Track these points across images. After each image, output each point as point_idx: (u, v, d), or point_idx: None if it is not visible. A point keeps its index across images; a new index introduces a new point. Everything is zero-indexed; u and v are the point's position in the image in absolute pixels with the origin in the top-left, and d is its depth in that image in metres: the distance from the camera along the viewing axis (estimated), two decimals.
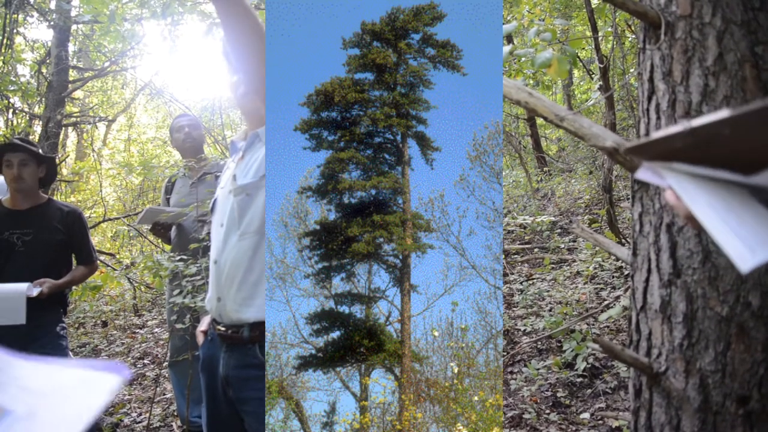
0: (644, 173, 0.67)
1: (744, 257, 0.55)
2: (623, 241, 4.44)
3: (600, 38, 5.46)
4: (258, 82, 1.56)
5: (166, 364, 4.11)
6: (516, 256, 5.51)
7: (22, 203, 2.93)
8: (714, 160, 0.60)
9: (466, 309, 3.49)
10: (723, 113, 0.53)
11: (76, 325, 5.84)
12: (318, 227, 3.34)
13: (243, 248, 1.55)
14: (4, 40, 6.30)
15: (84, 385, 0.50)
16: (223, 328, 1.60)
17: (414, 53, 3.45)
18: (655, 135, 0.60)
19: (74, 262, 3.17)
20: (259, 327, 1.55)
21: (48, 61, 6.93)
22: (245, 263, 1.54)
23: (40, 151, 2.96)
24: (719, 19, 1.28)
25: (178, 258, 2.73)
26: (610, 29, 5.57)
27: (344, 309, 3.36)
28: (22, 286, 2.67)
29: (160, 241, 6.63)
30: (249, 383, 1.55)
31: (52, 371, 0.53)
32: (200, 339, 1.73)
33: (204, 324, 1.76)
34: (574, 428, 2.75)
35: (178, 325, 2.77)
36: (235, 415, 1.61)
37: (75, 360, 0.57)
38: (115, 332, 5.54)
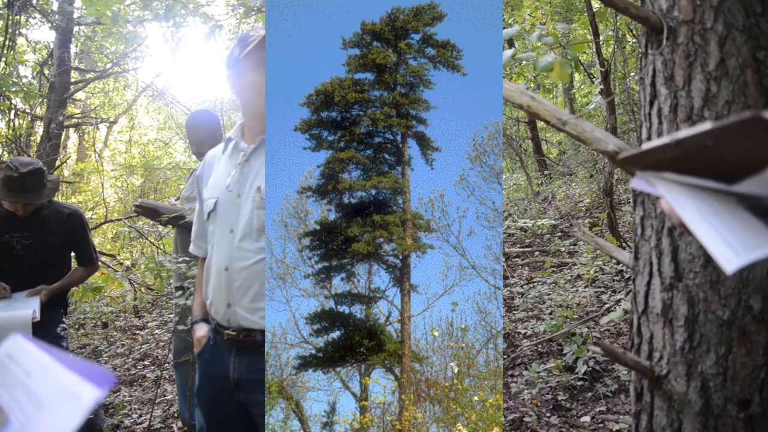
0: (638, 182, 0.71)
1: (729, 260, 0.59)
2: (624, 244, 4.44)
3: (601, 42, 5.47)
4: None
5: (167, 365, 4.12)
6: (517, 259, 5.51)
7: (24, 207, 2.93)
8: (700, 169, 0.64)
9: (466, 309, 3.49)
10: (705, 126, 0.57)
11: (77, 326, 5.84)
12: (318, 227, 3.34)
13: (263, 264, 1.54)
14: (7, 42, 6.32)
15: (65, 399, 0.52)
16: (233, 333, 1.57)
17: (414, 53, 3.46)
18: (645, 146, 0.64)
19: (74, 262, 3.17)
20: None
21: (50, 62, 6.95)
22: (262, 276, 1.54)
23: (49, 187, 2.91)
24: (721, 24, 1.29)
25: (181, 259, 2.73)
26: (611, 33, 5.58)
27: (344, 309, 3.36)
28: (26, 314, 2.64)
29: (161, 242, 6.65)
30: (263, 385, 1.55)
31: (49, 370, 0.55)
32: (199, 345, 1.69)
33: (202, 330, 1.70)
34: (574, 431, 2.75)
35: (180, 327, 2.77)
36: (240, 417, 1.60)
37: (69, 358, 0.59)
38: (115, 333, 5.54)
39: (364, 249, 3.11)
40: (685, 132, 0.59)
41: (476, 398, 3.09)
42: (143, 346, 5.00)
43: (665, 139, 0.61)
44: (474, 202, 3.62)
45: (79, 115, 8.41)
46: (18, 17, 6.56)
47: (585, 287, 4.34)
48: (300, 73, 4.16)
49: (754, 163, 0.60)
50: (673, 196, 0.66)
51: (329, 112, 3.41)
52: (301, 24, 3.75)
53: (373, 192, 3.36)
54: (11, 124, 6.74)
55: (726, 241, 0.60)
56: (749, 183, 0.62)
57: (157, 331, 5.41)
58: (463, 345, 3.37)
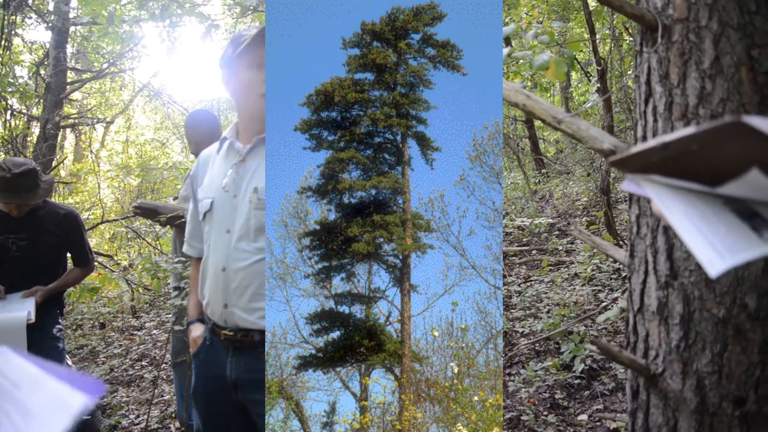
0: (628, 185, 0.72)
1: (713, 263, 0.59)
2: (621, 243, 4.45)
3: (598, 41, 5.47)
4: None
5: (165, 365, 4.11)
6: (514, 257, 5.51)
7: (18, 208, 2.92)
8: (687, 172, 0.65)
9: (466, 309, 3.50)
10: (689, 130, 0.58)
11: (74, 327, 5.83)
12: (318, 227, 3.34)
13: (261, 264, 1.53)
14: (3, 42, 6.30)
15: (56, 409, 0.52)
16: (230, 333, 1.56)
17: (414, 53, 3.46)
18: (634, 149, 0.65)
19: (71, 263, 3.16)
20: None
21: (46, 62, 6.93)
22: (260, 276, 1.53)
23: (42, 187, 2.89)
24: (716, 22, 1.29)
25: (177, 260, 2.73)
26: (607, 32, 5.58)
27: (344, 309, 3.36)
28: (21, 315, 2.63)
29: (158, 242, 6.65)
30: (261, 385, 1.55)
31: (38, 381, 0.55)
32: (195, 345, 1.69)
33: (197, 330, 1.70)
34: (572, 430, 2.76)
35: (177, 327, 2.77)
36: (237, 417, 1.60)
37: (59, 368, 0.58)
38: (113, 334, 5.54)
39: (364, 249, 3.11)
40: (670, 135, 0.60)
41: (476, 398, 3.09)
42: (141, 347, 4.99)
43: (653, 143, 0.62)
44: (474, 202, 3.63)
45: (76, 116, 8.39)
46: (14, 17, 6.54)
47: (582, 285, 4.35)
48: (300, 73, 4.17)
49: (736, 166, 0.61)
50: (661, 199, 0.67)
51: (329, 112, 3.41)
52: (301, 24, 3.75)
53: (373, 192, 3.36)
54: (7, 124, 6.73)
55: (711, 245, 0.61)
56: (732, 185, 0.63)
57: (154, 331, 5.40)
58: (463, 345, 3.38)
